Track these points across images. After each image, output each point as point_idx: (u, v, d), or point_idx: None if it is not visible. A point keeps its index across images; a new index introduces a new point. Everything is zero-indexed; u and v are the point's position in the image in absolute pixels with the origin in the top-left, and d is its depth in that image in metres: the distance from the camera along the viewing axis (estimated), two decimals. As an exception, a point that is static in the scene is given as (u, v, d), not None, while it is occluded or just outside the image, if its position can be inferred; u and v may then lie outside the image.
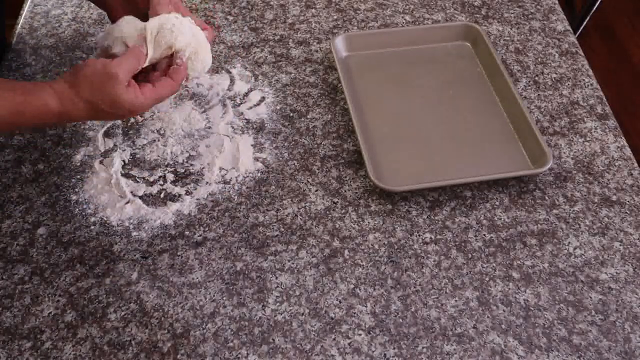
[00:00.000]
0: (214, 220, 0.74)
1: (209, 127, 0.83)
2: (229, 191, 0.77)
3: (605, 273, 0.71)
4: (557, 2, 1.05)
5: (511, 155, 0.81)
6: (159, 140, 0.82)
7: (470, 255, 0.72)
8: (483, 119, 0.85)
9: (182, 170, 0.79)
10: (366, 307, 0.67)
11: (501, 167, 0.80)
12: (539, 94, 0.90)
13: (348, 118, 0.84)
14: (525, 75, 0.92)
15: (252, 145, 0.82)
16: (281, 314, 0.67)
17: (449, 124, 0.85)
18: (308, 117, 0.86)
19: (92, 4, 1.00)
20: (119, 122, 0.83)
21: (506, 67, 0.92)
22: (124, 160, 0.79)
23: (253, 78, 0.90)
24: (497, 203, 0.77)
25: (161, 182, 0.78)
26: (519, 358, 0.64)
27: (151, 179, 0.78)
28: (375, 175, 0.76)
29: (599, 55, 2.22)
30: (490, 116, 0.86)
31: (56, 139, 0.82)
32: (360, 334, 0.65)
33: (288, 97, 0.88)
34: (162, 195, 0.76)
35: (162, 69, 0.70)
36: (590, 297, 0.69)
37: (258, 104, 0.87)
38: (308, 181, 0.78)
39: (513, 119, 0.84)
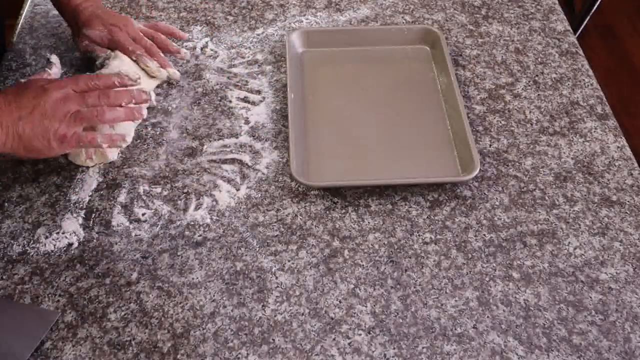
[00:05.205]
0: (214, 220, 0.74)
1: (209, 127, 0.84)
2: (229, 191, 0.77)
3: (605, 273, 0.71)
4: (557, 2, 1.05)
5: (443, 161, 0.80)
6: (159, 140, 0.82)
7: (470, 255, 0.72)
8: (425, 123, 0.84)
9: (182, 170, 0.79)
10: (366, 307, 0.67)
11: (432, 172, 0.79)
12: (539, 94, 0.90)
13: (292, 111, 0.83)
14: (525, 75, 0.92)
15: (252, 145, 0.82)
16: (281, 314, 0.67)
17: (389, 125, 0.84)
18: (308, 117, 0.85)
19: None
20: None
21: (457, 72, 0.91)
22: (124, 160, 0.80)
23: (253, 78, 0.90)
24: (497, 203, 0.77)
25: (162, 183, 0.77)
26: (519, 358, 0.64)
27: (151, 179, 0.78)
28: (299, 170, 0.76)
29: (599, 55, 2.22)
30: (433, 121, 0.85)
31: (56, 139, 0.82)
32: (360, 334, 0.65)
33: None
34: (162, 195, 0.76)
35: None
36: (590, 297, 0.69)
37: (258, 104, 0.87)
38: (308, 181, 0.78)
39: (453, 125, 0.83)
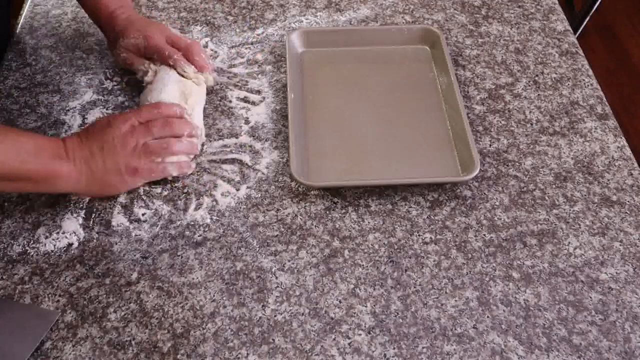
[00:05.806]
0: (214, 220, 0.74)
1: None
2: (229, 191, 0.77)
3: (605, 273, 0.71)
4: (557, 2, 1.05)
5: (443, 161, 0.80)
6: (159, 140, 0.82)
7: (470, 255, 0.72)
8: (425, 123, 0.84)
9: (182, 170, 0.79)
10: (366, 307, 0.67)
11: (432, 172, 0.79)
12: (539, 94, 0.90)
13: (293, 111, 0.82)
14: (525, 75, 0.92)
15: (252, 145, 0.82)
16: (281, 314, 0.67)
17: (389, 125, 0.84)
18: (308, 117, 0.85)
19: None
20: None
21: (457, 72, 0.91)
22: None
23: (253, 78, 0.90)
24: (497, 203, 0.77)
25: (162, 183, 0.77)
26: (519, 358, 0.64)
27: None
28: (299, 170, 0.75)
29: (599, 55, 2.22)
30: (433, 121, 0.84)
31: (56, 139, 0.82)
32: (360, 334, 0.65)
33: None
34: (162, 195, 0.76)
35: None
36: (590, 297, 0.69)
37: (258, 104, 0.87)
38: (308, 181, 0.78)
39: (453, 125, 0.83)
